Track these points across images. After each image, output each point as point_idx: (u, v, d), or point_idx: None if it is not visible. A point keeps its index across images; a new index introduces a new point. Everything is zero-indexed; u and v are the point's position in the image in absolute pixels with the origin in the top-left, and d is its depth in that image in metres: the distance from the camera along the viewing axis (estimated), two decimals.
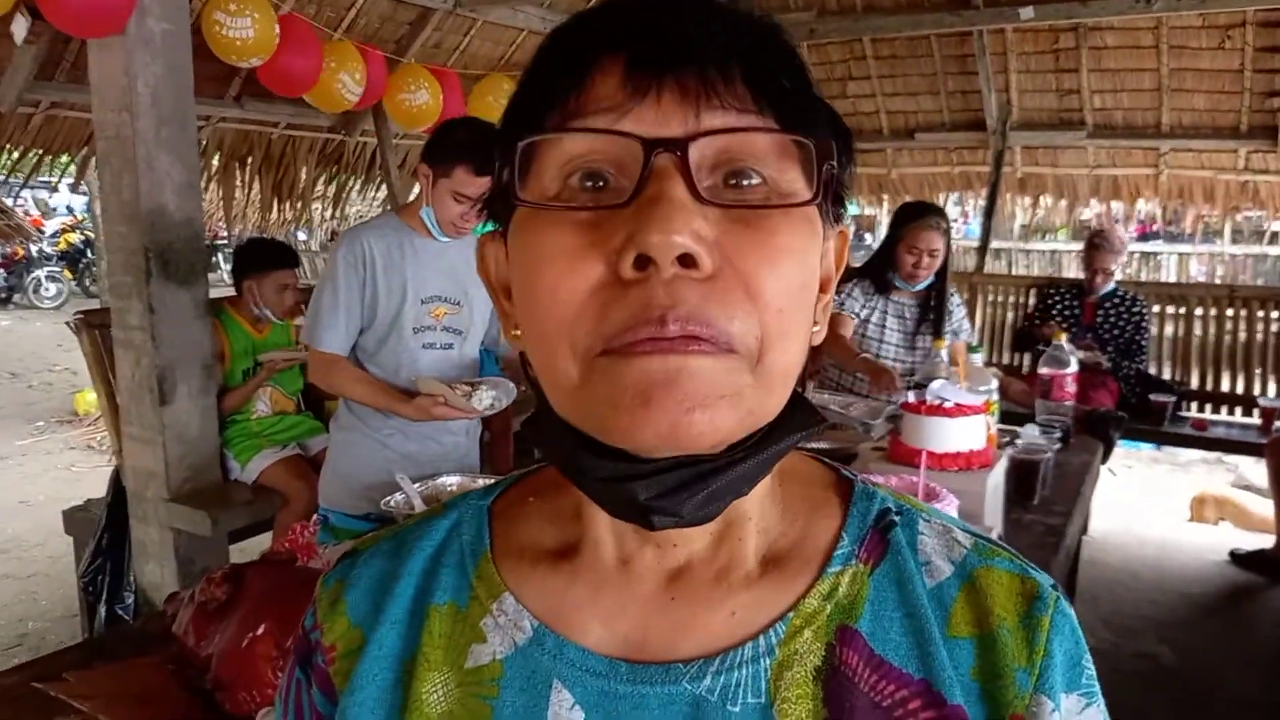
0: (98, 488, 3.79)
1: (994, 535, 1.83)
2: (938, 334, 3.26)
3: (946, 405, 2.06)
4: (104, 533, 3.34)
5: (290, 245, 3.98)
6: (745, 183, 0.49)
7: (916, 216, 3.29)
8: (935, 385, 2.12)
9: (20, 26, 3.19)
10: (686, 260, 0.45)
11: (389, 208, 2.54)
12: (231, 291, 3.63)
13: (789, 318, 0.49)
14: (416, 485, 2.22)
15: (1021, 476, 2.36)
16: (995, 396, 2.45)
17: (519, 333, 0.54)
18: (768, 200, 0.49)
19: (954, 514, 1.70)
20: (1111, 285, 4.65)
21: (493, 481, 0.66)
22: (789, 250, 0.49)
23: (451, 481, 2.30)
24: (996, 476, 2.09)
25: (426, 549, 0.62)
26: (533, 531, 0.61)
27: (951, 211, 5.22)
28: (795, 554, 0.57)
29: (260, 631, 1.33)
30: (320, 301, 2.41)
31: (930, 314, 3.42)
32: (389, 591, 0.60)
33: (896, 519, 0.58)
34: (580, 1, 5.39)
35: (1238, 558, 4.62)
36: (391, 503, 2.16)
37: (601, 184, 0.49)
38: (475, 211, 2.35)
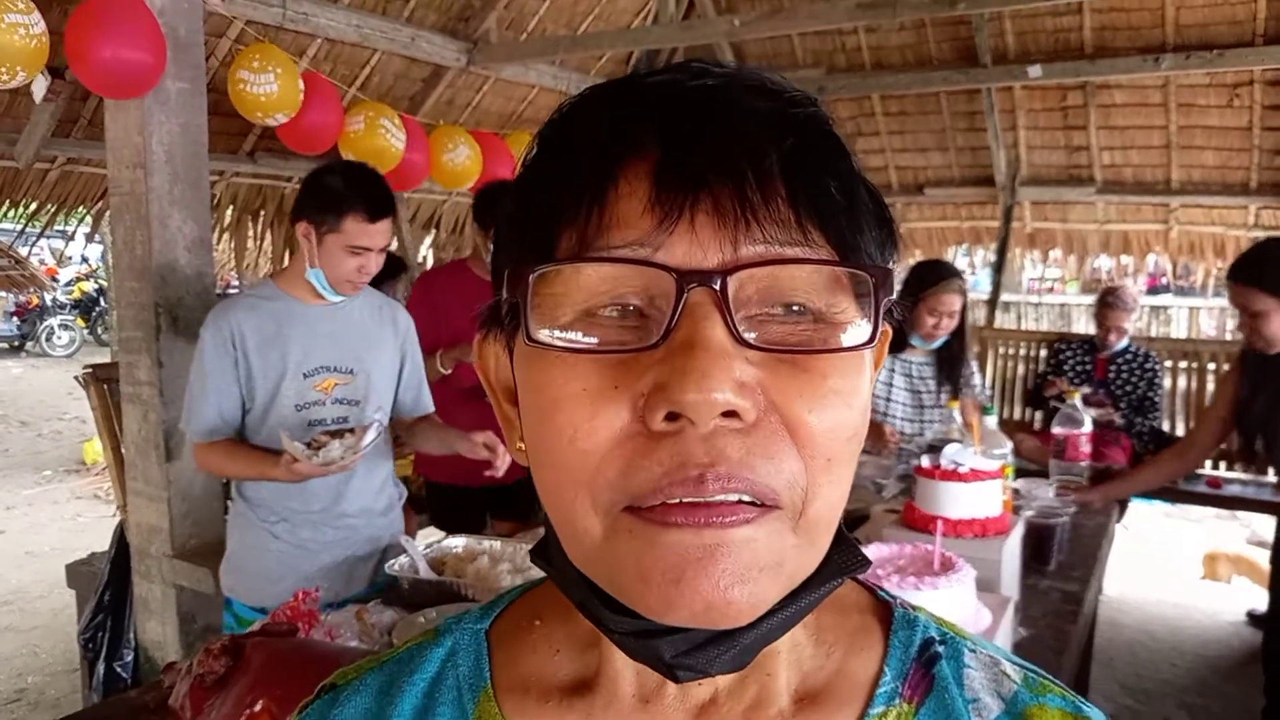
0: (103, 539, 3.76)
1: (1011, 604, 1.79)
2: (955, 394, 3.24)
3: (961, 470, 2.03)
4: (106, 589, 3.30)
5: None
6: (794, 308, 0.44)
7: (939, 279, 3.27)
8: (949, 450, 2.08)
9: (39, 85, 3.23)
10: (727, 413, 0.41)
11: (401, 274, 2.31)
12: None
13: (837, 466, 0.44)
14: (422, 548, 2.19)
15: (1038, 541, 2.32)
16: (1010, 460, 2.42)
17: (523, 447, 0.49)
18: (815, 336, 0.44)
19: (971, 585, 1.66)
20: (1124, 341, 4.62)
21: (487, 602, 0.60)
22: (839, 393, 0.44)
23: (457, 544, 2.27)
24: (1013, 544, 2.05)
25: (419, 684, 0.55)
26: (540, 662, 0.54)
27: (959, 265, 5.23)
28: (833, 691, 0.51)
29: (258, 709, 1.29)
30: (191, 389, 2.20)
31: (941, 371, 3.39)
32: None
33: (941, 649, 0.53)
34: (591, 59, 5.46)
35: (1256, 619, 4.53)
36: (395, 566, 2.13)
37: (631, 309, 0.44)
38: (376, 259, 2.16)
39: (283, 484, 2.18)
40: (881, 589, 0.57)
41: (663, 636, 0.44)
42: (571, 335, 0.44)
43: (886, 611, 0.55)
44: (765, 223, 0.43)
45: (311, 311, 2.22)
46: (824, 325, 0.45)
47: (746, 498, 0.42)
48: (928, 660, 0.52)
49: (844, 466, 0.45)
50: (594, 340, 0.44)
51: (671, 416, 0.41)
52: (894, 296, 0.46)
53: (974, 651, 0.53)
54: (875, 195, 0.49)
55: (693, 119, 0.44)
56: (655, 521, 0.42)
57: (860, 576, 0.57)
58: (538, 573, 0.55)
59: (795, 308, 0.44)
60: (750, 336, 0.43)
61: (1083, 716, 0.51)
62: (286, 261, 5.60)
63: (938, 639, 0.53)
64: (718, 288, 0.42)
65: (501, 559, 2.15)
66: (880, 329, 0.45)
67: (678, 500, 0.41)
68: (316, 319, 2.22)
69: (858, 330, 0.45)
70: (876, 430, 3.17)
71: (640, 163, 0.44)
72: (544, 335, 0.45)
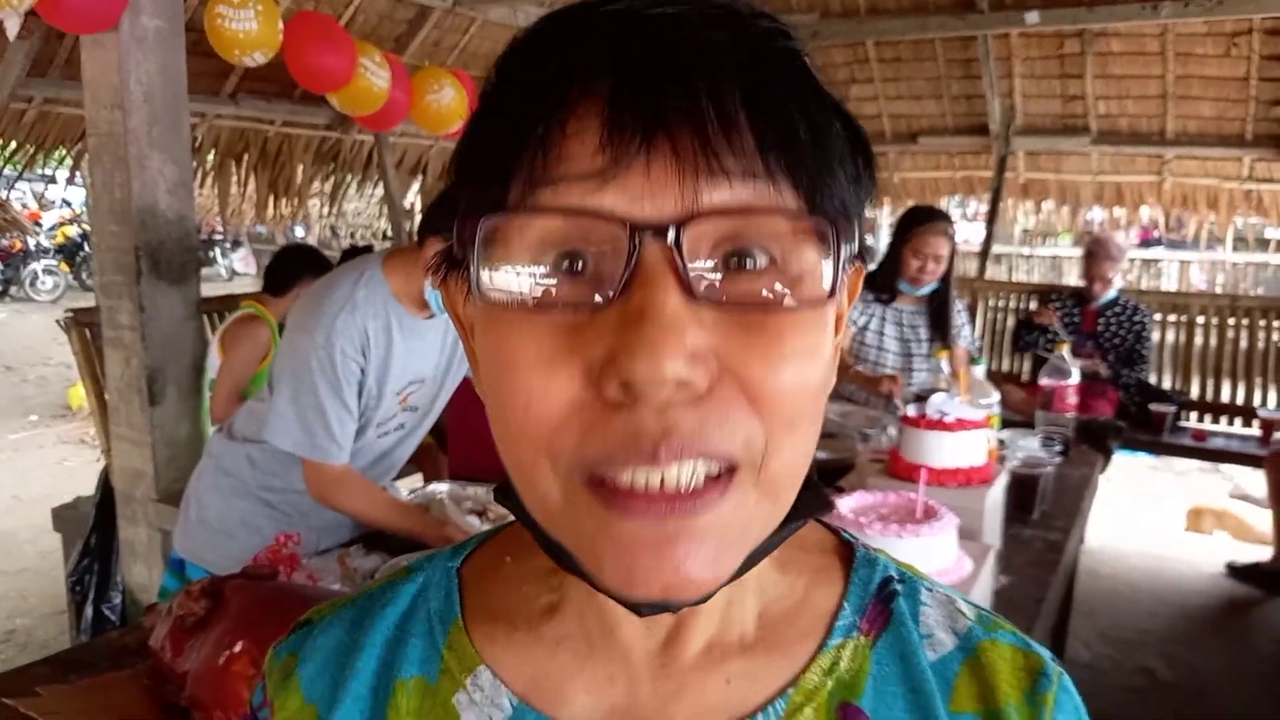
0: (89, 483, 3.76)
1: (993, 552, 1.80)
2: (944, 343, 3.23)
3: (947, 420, 2.02)
4: (92, 532, 3.31)
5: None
6: (749, 263, 0.42)
7: (923, 221, 3.26)
8: (936, 399, 2.08)
9: (12, 21, 3.15)
10: (679, 384, 0.40)
11: (382, 252, 2.07)
12: (230, 289, 3.51)
13: (799, 425, 0.44)
14: (406, 494, 2.19)
15: (1021, 491, 2.32)
16: (997, 410, 2.41)
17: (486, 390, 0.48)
18: (773, 290, 0.43)
19: (953, 533, 1.67)
20: (1113, 293, 4.61)
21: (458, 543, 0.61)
22: (798, 351, 0.43)
23: (441, 490, 2.26)
24: (996, 493, 2.05)
25: (390, 617, 0.56)
26: (510, 594, 0.55)
27: (952, 215, 5.17)
28: (794, 621, 0.53)
29: (237, 650, 1.29)
30: (321, 401, 1.92)
31: (932, 321, 3.39)
32: (349, 666, 0.55)
33: (899, 588, 0.55)
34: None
35: (1235, 570, 4.59)
36: None
37: (581, 265, 0.42)
38: None
39: (287, 457, 2.01)
40: (845, 531, 0.59)
41: None
42: (521, 291, 0.43)
43: (848, 551, 0.57)
44: (729, 167, 0.41)
45: (419, 326, 2.04)
46: (783, 277, 0.43)
47: (702, 468, 0.41)
48: (886, 596, 0.54)
49: (807, 424, 0.44)
50: (543, 296, 0.42)
51: (625, 386, 0.40)
52: (858, 241, 0.46)
53: (930, 590, 0.55)
54: (849, 122, 0.46)
55: (648, 51, 0.41)
56: (615, 506, 0.41)
57: (837, 524, 0.59)
58: None
59: (752, 258, 0.42)
60: (705, 294, 0.41)
61: (1032, 652, 0.53)
62: (271, 208, 5.54)
63: (896, 578, 0.55)
64: (672, 241, 0.40)
65: (488, 506, 2.14)
66: (841, 279, 0.44)
67: (637, 471, 0.41)
68: (417, 332, 2.04)
69: (816, 279, 0.43)
70: (874, 383, 3.17)
71: (590, 101, 0.41)
72: (494, 294, 0.43)
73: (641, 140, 0.40)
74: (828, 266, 0.43)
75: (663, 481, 0.41)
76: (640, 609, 0.45)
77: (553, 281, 0.42)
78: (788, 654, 0.52)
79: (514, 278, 0.43)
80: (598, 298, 0.41)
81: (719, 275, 0.42)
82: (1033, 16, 5.04)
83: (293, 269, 3.41)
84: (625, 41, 0.41)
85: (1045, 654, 0.53)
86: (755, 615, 0.52)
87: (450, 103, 4.48)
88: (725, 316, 0.41)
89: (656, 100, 0.40)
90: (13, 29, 3.18)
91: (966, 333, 3.48)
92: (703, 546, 0.42)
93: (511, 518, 0.53)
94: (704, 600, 0.46)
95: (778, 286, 0.43)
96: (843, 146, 0.45)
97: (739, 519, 0.43)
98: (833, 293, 0.43)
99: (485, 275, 0.43)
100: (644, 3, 0.43)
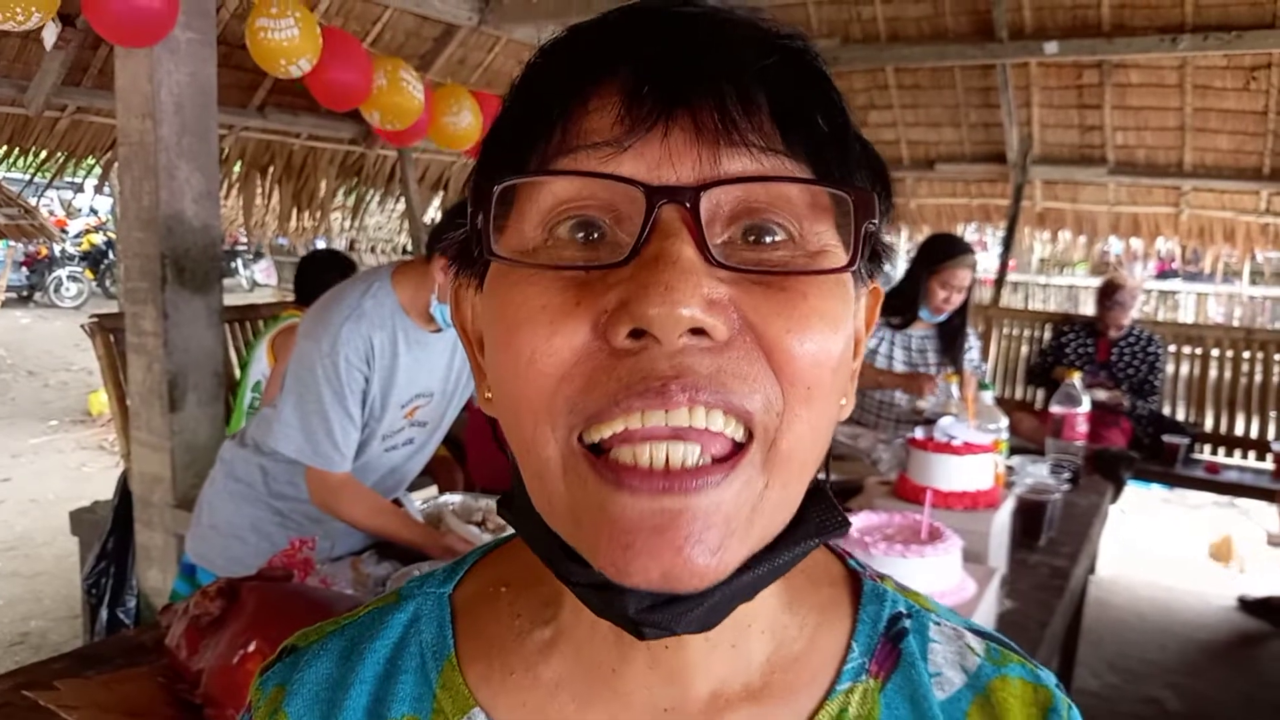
0: (107, 488, 3.81)
1: (997, 576, 1.81)
2: (955, 368, 3.26)
3: (954, 443, 2.04)
4: (109, 536, 3.35)
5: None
6: (767, 239, 0.41)
7: (953, 254, 3.28)
8: (944, 422, 2.10)
9: (50, 32, 3.23)
10: (696, 330, 0.39)
11: (398, 258, 2.12)
12: (251, 300, 3.59)
13: (817, 397, 0.42)
14: (419, 504, 2.21)
15: (1028, 517, 2.33)
16: (1004, 435, 2.43)
17: (490, 396, 0.46)
18: (793, 261, 0.42)
19: (957, 555, 1.68)
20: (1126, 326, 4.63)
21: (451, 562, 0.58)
22: (821, 314, 0.41)
23: (453, 500, 2.29)
24: (1002, 517, 2.06)
25: (381, 651, 0.53)
26: (505, 630, 0.52)
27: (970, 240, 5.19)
28: (802, 665, 0.51)
29: (251, 649, 1.32)
30: (325, 408, 1.93)
31: (942, 345, 3.41)
32: (337, 703, 0.52)
33: (908, 624, 0.53)
34: None
35: (1246, 604, 4.56)
36: None
37: (595, 235, 0.42)
38: None
39: (298, 467, 2.02)
40: (851, 557, 0.57)
41: (627, 590, 0.41)
42: (532, 248, 0.43)
43: (856, 583, 0.55)
44: (746, 136, 0.41)
45: (425, 339, 2.06)
46: (802, 252, 0.42)
47: (719, 420, 0.39)
48: (895, 635, 0.52)
49: (825, 401, 0.42)
50: (553, 252, 0.42)
51: (636, 335, 0.39)
52: (878, 222, 0.44)
53: (939, 625, 0.54)
54: (868, 146, 0.47)
55: (672, 38, 0.42)
56: (608, 481, 0.40)
57: (840, 544, 0.57)
58: None
59: (770, 234, 0.42)
60: (721, 257, 0.40)
61: (1041, 686, 0.52)
62: (294, 220, 5.60)
63: (905, 613, 0.53)
64: (690, 206, 0.40)
65: (487, 516, 2.15)
66: (861, 256, 0.43)
67: (646, 416, 0.39)
68: (423, 346, 2.06)
69: (836, 257, 0.43)
70: (918, 378, 3.22)
71: (612, 81, 0.42)
72: (504, 252, 0.43)
73: (660, 111, 0.40)
74: (846, 241, 0.43)
75: (668, 459, 0.39)
76: (642, 630, 0.42)
77: (566, 242, 0.42)
78: (794, 701, 0.50)
79: (525, 237, 0.43)
80: (611, 259, 0.40)
81: (736, 243, 0.42)
82: (1051, 47, 5.07)
83: (320, 275, 3.43)
84: (650, 31, 0.42)
85: (1052, 683, 0.53)
86: (762, 660, 0.50)
87: (466, 126, 4.50)
88: (743, 278, 0.40)
89: (678, 77, 0.40)
90: (49, 40, 3.26)
91: (975, 355, 3.50)
92: (706, 530, 0.39)
93: (508, 531, 0.52)
94: (708, 625, 0.43)
95: (796, 259, 0.42)
96: (860, 155, 0.45)
97: (745, 502, 0.41)
98: (853, 261, 0.42)
99: (497, 235, 0.43)
100: (668, 3, 0.44)
